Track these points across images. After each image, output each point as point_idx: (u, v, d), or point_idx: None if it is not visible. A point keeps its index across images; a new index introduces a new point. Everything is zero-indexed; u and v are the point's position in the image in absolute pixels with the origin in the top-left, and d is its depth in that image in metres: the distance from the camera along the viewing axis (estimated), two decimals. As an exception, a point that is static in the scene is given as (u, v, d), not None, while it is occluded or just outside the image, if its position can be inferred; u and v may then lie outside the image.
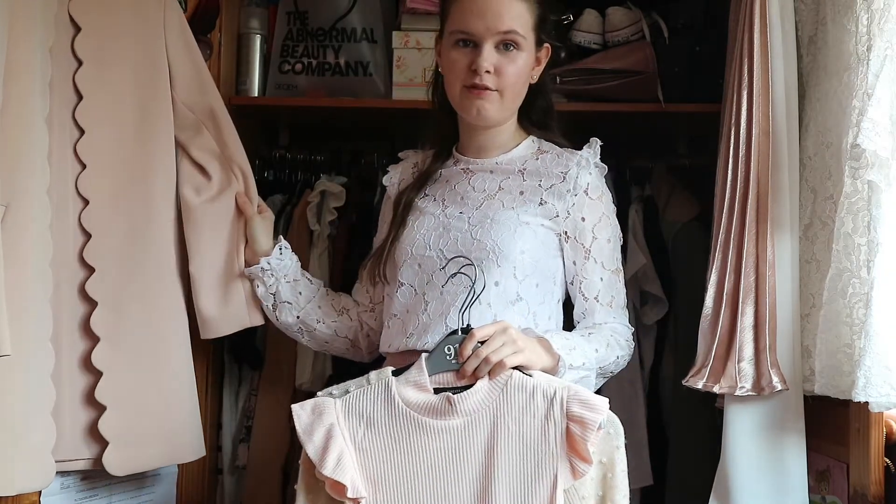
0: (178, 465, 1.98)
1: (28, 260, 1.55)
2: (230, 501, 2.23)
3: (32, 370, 1.56)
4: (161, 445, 1.78)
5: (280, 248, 1.83)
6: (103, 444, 1.69)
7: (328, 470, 1.36)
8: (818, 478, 1.71)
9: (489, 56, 1.60)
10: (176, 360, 1.82)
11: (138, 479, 1.85)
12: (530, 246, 1.61)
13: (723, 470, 1.71)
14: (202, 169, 1.87)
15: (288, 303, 1.81)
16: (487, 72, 1.60)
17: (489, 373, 1.41)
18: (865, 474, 1.54)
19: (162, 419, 1.77)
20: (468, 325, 1.45)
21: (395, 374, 1.43)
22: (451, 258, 1.55)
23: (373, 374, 1.44)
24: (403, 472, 1.39)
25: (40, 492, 1.64)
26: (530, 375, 1.42)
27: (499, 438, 1.38)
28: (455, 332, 1.45)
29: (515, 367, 1.43)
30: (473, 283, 1.46)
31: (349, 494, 1.36)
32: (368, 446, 1.40)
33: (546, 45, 1.69)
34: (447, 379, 1.43)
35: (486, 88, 1.60)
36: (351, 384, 1.45)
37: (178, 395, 1.81)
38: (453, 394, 1.40)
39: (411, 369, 1.43)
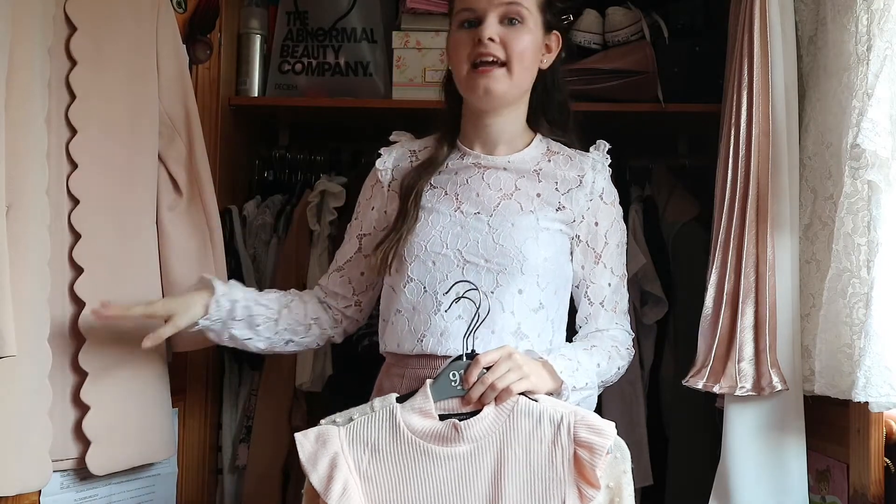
0: (178, 465, 1.99)
1: (28, 260, 1.55)
2: (230, 501, 2.23)
3: (31, 371, 1.56)
4: (137, 445, 1.79)
5: (210, 304, 1.64)
6: (87, 443, 1.70)
7: (334, 499, 1.34)
8: (818, 478, 1.71)
9: (492, 25, 1.55)
10: (152, 361, 1.83)
11: (138, 479, 1.86)
12: (552, 253, 1.59)
13: (723, 470, 1.71)
14: (174, 181, 1.89)
15: (248, 339, 1.69)
16: (491, 39, 1.54)
17: (495, 399, 1.40)
18: (865, 474, 1.54)
19: (138, 419, 1.79)
20: (472, 351, 1.43)
21: (400, 400, 1.42)
22: (455, 283, 1.51)
23: (377, 402, 1.43)
24: (409, 500, 1.37)
25: (40, 491, 1.65)
26: (536, 400, 1.41)
27: (505, 465, 1.37)
28: (459, 357, 1.43)
29: (521, 393, 1.41)
30: (478, 308, 1.44)
31: None
32: (374, 474, 1.38)
33: (555, 32, 1.65)
34: (452, 405, 1.41)
35: (493, 63, 1.55)
36: (354, 412, 1.43)
37: (153, 396, 1.83)
38: (459, 420, 1.38)
39: (416, 396, 1.41)
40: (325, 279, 1.77)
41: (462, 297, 1.46)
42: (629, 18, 2.25)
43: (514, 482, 1.37)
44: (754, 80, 1.69)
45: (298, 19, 2.39)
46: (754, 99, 1.69)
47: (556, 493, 1.36)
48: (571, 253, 1.64)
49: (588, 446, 1.35)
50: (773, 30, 1.70)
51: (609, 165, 1.67)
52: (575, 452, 1.36)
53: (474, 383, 1.40)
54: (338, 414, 1.44)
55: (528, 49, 1.58)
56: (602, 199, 1.64)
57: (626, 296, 1.68)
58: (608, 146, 1.67)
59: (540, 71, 1.65)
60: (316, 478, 1.36)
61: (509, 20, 1.57)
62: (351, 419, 1.42)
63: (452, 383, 1.41)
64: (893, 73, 1.44)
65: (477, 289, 1.47)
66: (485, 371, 1.40)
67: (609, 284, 1.64)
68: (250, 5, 2.37)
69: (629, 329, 1.68)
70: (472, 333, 1.45)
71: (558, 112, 1.71)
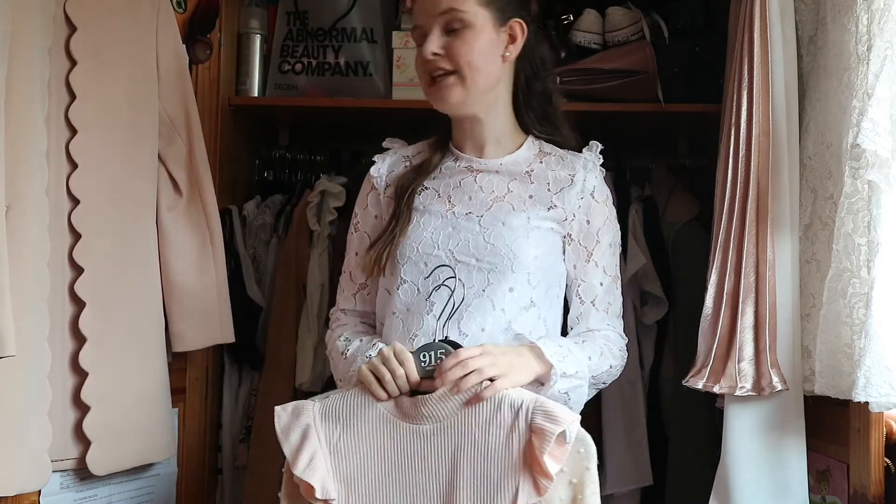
0: (178, 465, 1.99)
1: (28, 260, 1.56)
2: (230, 501, 2.23)
3: (30, 371, 1.56)
4: (137, 445, 1.80)
5: None
6: (87, 443, 1.70)
7: (299, 470, 1.36)
8: (818, 478, 1.71)
9: (434, 40, 1.56)
10: (153, 361, 1.84)
11: (138, 479, 1.86)
12: (543, 251, 1.59)
13: (723, 470, 1.71)
14: (174, 182, 1.89)
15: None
16: (436, 54, 1.56)
17: (481, 393, 1.39)
18: (865, 474, 1.54)
19: (138, 419, 1.79)
20: (446, 337, 1.44)
21: None
22: (435, 267, 1.52)
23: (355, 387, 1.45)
24: (375, 474, 1.39)
25: (40, 491, 1.65)
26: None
27: (465, 447, 1.37)
28: (433, 342, 1.44)
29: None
30: (452, 293, 1.45)
31: (318, 495, 1.36)
32: (343, 449, 1.40)
33: (516, 20, 1.61)
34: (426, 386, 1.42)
35: (443, 74, 1.57)
36: (332, 392, 1.46)
37: (153, 395, 1.83)
38: (422, 395, 1.39)
39: None
40: (350, 303, 1.72)
41: (441, 284, 1.48)
42: (629, 18, 2.25)
43: (471, 466, 1.37)
44: (754, 80, 1.69)
45: (298, 19, 2.39)
46: (754, 99, 1.69)
47: (511, 480, 1.35)
48: (564, 252, 1.64)
49: (539, 432, 1.34)
50: (773, 30, 1.70)
51: (602, 166, 1.67)
52: (529, 439, 1.35)
53: (452, 367, 1.39)
54: (320, 395, 1.47)
55: (475, 52, 1.57)
56: (594, 197, 1.64)
57: (620, 299, 1.68)
58: (600, 146, 1.68)
59: (517, 63, 1.64)
60: (288, 448, 1.39)
61: (452, 28, 1.57)
62: (328, 398, 1.44)
63: (423, 364, 1.41)
64: (893, 73, 1.44)
65: (455, 276, 1.48)
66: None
67: (601, 284, 1.64)
68: (250, 5, 2.36)
69: (622, 333, 1.67)
70: (448, 319, 1.46)
71: (539, 103, 1.69)
